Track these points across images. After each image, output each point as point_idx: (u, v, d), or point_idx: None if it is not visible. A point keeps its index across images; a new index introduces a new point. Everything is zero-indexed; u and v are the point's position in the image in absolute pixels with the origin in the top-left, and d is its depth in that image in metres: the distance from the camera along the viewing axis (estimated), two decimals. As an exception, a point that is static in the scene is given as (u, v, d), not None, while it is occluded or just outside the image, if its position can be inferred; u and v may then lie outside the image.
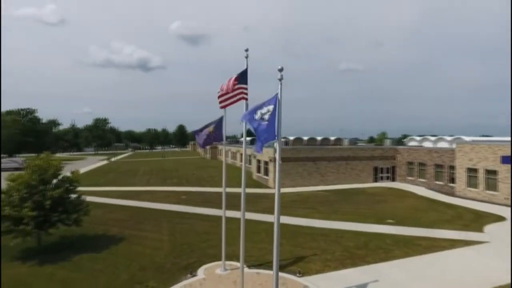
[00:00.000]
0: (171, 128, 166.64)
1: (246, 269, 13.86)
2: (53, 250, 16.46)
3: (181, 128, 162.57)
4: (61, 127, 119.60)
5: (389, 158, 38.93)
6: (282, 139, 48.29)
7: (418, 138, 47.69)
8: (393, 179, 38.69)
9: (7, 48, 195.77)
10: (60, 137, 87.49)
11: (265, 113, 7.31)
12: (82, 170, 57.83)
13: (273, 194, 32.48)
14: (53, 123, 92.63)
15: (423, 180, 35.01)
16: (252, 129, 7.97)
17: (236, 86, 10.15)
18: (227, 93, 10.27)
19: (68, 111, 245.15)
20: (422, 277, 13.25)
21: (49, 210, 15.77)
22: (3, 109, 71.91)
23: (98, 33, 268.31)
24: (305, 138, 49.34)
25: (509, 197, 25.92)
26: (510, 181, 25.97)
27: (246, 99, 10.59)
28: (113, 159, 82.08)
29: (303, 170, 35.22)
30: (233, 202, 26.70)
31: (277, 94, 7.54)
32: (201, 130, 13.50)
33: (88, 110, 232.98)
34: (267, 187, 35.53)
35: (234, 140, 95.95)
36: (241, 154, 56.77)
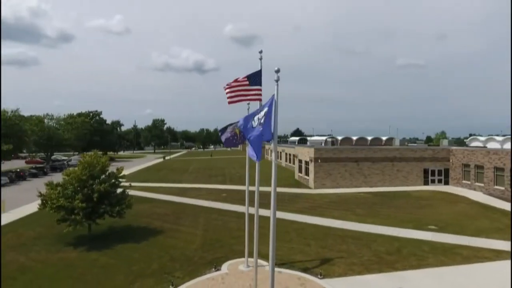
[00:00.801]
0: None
1: (268, 267, 14.18)
2: (100, 239, 18.35)
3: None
4: (125, 127, 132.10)
5: (441, 160, 36.16)
6: (329, 139, 47.38)
7: (482, 138, 43.66)
8: (446, 183, 35.87)
9: (81, 56, 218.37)
10: (122, 137, 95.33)
11: (261, 117, 7.57)
12: (140, 167, 62.70)
13: (313, 195, 32.29)
14: (117, 123, 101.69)
15: (480, 185, 31.97)
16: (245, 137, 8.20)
17: (249, 87, 10.46)
18: (236, 90, 10.53)
19: (132, 112, 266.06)
20: (453, 288, 12.38)
21: (97, 202, 17.65)
22: (77, 111, 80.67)
23: (159, 39, 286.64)
24: (354, 138, 47.85)
25: None
26: None
27: (260, 100, 10.88)
28: (167, 158, 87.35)
29: (345, 171, 34.32)
30: (269, 201, 26.81)
31: (273, 95, 7.76)
32: (225, 128, 14.06)
33: (150, 112, 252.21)
34: (307, 187, 35.29)
35: (282, 140, 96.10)
36: (286, 154, 56.87)
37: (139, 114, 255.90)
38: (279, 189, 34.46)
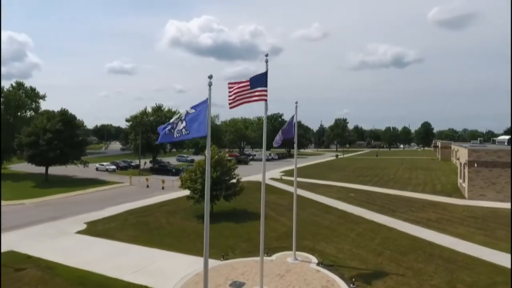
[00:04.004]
0: (415, 126, 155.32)
1: (312, 264, 14.38)
2: (216, 216, 22.98)
3: (425, 126, 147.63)
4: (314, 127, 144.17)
5: None
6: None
7: None
8: None
9: (287, 65, 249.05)
10: (302, 135, 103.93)
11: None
12: (306, 164, 67.51)
13: (457, 206, 27.17)
14: (299, 123, 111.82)
15: None
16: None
17: (253, 89, 11.33)
18: (238, 92, 11.52)
19: (331, 112, 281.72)
20: None
21: (212, 186, 22.39)
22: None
23: (355, 39, 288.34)
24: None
25: None
26: None
27: (266, 100, 11.57)
28: (340, 156, 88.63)
29: (519, 180, 25.80)
30: (395, 205, 25.65)
31: (207, 98, 8.90)
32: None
33: (347, 111, 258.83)
34: (462, 197, 28.76)
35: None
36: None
37: (338, 113, 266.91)
38: (426, 196, 29.86)
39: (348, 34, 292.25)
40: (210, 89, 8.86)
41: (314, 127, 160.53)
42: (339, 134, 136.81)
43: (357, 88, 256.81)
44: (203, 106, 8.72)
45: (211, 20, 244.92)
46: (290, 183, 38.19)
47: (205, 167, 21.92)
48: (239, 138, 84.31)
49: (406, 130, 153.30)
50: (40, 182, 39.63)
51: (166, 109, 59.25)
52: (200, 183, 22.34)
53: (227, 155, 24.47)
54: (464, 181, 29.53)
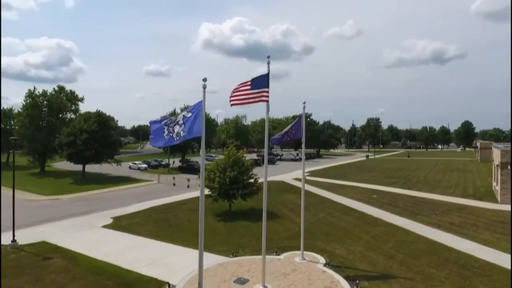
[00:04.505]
0: (455, 125, 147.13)
1: (319, 265, 14.45)
2: (233, 215, 23.58)
3: (465, 125, 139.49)
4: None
5: None
6: None
7: None
8: None
9: (320, 64, 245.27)
10: (332, 135, 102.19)
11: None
12: (334, 164, 66.53)
13: (483, 210, 26.10)
14: (328, 123, 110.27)
15: None
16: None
17: (254, 90, 11.62)
18: (239, 93, 11.82)
19: (365, 111, 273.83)
20: None
21: (229, 186, 22.99)
22: (317, 115, 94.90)
23: (390, 35, 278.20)
24: None
25: None
26: None
27: (267, 101, 11.80)
28: (370, 156, 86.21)
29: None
30: (418, 207, 25.19)
31: (201, 101, 9.31)
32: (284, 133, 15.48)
33: (382, 110, 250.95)
34: (495, 201, 27.10)
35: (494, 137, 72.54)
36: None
37: (374, 112, 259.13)
38: (454, 199, 28.44)
39: (384, 30, 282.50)
40: (204, 92, 9.31)
41: (347, 127, 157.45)
42: (372, 134, 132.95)
43: (392, 87, 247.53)
44: (198, 108, 9.20)
45: (243, 21, 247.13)
46: (313, 183, 38.00)
47: (222, 166, 22.60)
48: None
49: (444, 130, 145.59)
50: (77, 179, 42.49)
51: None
52: (218, 182, 23.01)
53: (245, 155, 24.94)
54: (497, 184, 27.83)
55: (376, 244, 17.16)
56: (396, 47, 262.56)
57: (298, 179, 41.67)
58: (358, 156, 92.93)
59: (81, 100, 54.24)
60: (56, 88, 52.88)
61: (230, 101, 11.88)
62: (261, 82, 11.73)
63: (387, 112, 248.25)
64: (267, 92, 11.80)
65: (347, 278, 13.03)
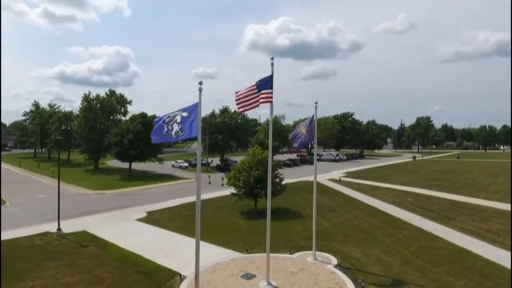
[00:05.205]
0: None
1: (330, 266, 14.45)
2: (257, 213, 24.10)
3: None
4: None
5: None
6: None
7: None
8: None
9: (369, 61, 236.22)
10: (376, 135, 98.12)
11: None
12: (376, 165, 64.13)
13: None
14: (372, 123, 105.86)
15: None
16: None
17: (259, 92, 11.95)
18: (245, 97, 12.18)
19: (418, 109, 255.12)
20: None
21: (253, 185, 23.56)
22: (364, 112, 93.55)
23: (447, 27, 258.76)
24: None
25: None
26: None
27: (271, 102, 12.08)
28: (418, 158, 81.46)
29: None
30: (455, 212, 24.35)
31: (197, 103, 9.85)
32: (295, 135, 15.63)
33: (438, 108, 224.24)
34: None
35: None
36: None
37: (431, 110, 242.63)
38: (499, 205, 26.14)
39: (439, 22, 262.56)
40: (200, 94, 9.92)
41: (396, 126, 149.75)
42: (421, 134, 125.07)
43: (448, 82, 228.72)
44: (195, 109, 9.83)
45: (288, 21, 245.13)
46: (348, 184, 37.21)
47: (247, 165, 23.22)
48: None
49: (506, 129, 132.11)
50: (124, 176, 45.94)
51: (232, 111, 62.54)
52: (242, 181, 23.68)
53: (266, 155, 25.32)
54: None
55: (396, 248, 16.62)
56: (454, 40, 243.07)
57: (333, 180, 41.02)
58: (404, 157, 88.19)
59: (130, 102, 58.39)
60: (108, 92, 57.55)
61: (238, 107, 12.37)
62: (266, 84, 12.09)
63: (444, 110, 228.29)
64: (271, 93, 12.13)
65: (355, 280, 12.91)
